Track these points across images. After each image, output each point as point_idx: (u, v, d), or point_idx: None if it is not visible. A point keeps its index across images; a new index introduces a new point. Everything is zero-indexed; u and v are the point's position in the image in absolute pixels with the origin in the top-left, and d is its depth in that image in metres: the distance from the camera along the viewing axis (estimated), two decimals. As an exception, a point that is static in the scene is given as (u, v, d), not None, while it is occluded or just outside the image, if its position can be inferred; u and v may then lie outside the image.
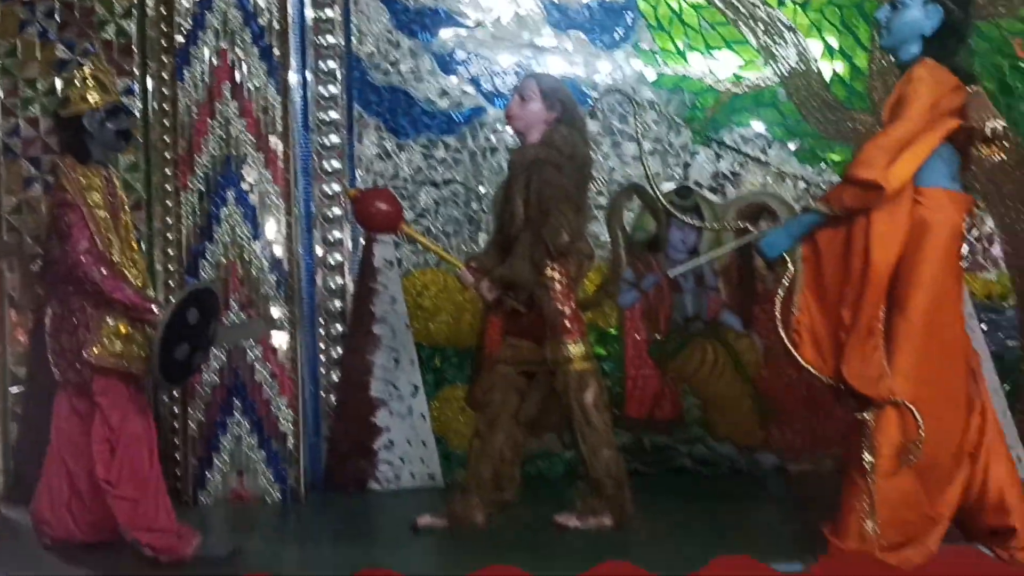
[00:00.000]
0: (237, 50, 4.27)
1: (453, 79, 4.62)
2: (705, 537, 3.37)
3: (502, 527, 3.66)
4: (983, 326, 4.56)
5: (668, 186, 4.58)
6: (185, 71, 4.25)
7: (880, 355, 2.79)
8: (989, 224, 4.65)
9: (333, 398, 4.52)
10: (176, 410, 4.25)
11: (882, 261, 2.77)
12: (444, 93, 4.62)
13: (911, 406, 2.76)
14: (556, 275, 3.53)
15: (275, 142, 4.31)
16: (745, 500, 4.16)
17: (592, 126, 4.51)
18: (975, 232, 4.64)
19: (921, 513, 2.84)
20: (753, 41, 4.58)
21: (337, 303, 4.56)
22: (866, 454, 2.80)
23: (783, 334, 2.92)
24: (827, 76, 4.58)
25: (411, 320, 4.48)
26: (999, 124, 2.69)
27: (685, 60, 4.60)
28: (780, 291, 2.94)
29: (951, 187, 2.86)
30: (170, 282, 4.30)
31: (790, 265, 2.93)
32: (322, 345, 4.56)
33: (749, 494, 4.29)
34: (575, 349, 3.54)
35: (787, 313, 2.93)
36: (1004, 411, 4.25)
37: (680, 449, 4.63)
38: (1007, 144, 2.74)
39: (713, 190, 4.62)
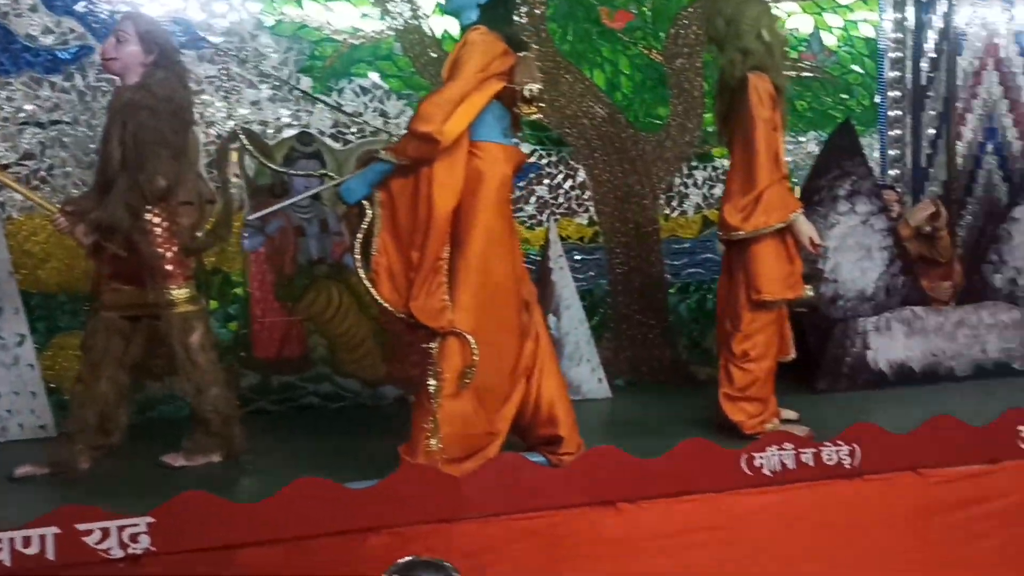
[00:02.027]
0: None
1: (57, 16, 4.36)
2: (310, 467, 3.55)
3: (111, 472, 3.65)
4: (576, 265, 5.15)
5: (290, 133, 4.69)
6: None
7: (443, 291, 3.13)
8: (581, 175, 5.20)
9: (-74, 353, 4.22)
10: None
11: (443, 207, 3.09)
12: (48, 30, 4.37)
13: (468, 335, 3.13)
14: (155, 219, 3.54)
15: None
16: (366, 431, 4.43)
17: (209, 70, 4.53)
18: (569, 182, 5.20)
19: (481, 429, 3.24)
20: (369, -6, 4.78)
21: (-74, 252, 4.23)
22: (431, 379, 3.15)
23: (361, 273, 3.18)
24: (438, 33, 4.85)
25: (18, 267, 4.26)
26: (535, 87, 3.08)
27: (303, 8, 4.68)
28: (359, 234, 3.19)
29: (503, 141, 3.24)
30: None
31: (368, 209, 3.19)
32: (-89, 297, 4.22)
33: (371, 425, 4.57)
34: (178, 293, 3.59)
35: (366, 254, 3.20)
36: (588, 339, 4.86)
37: (307, 387, 4.80)
38: (543, 105, 3.15)
39: (335, 137, 4.77)
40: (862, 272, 4.87)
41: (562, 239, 5.08)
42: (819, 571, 3.34)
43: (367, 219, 3.17)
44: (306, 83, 4.70)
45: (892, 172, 5.70)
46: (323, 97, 4.68)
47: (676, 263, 5.41)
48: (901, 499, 3.48)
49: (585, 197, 5.22)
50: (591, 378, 4.86)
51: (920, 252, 5.28)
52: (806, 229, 3.77)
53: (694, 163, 5.38)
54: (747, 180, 3.72)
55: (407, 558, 1.45)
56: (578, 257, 5.20)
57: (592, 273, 5.25)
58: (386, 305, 3.16)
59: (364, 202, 3.19)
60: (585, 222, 5.24)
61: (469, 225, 3.13)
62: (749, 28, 3.77)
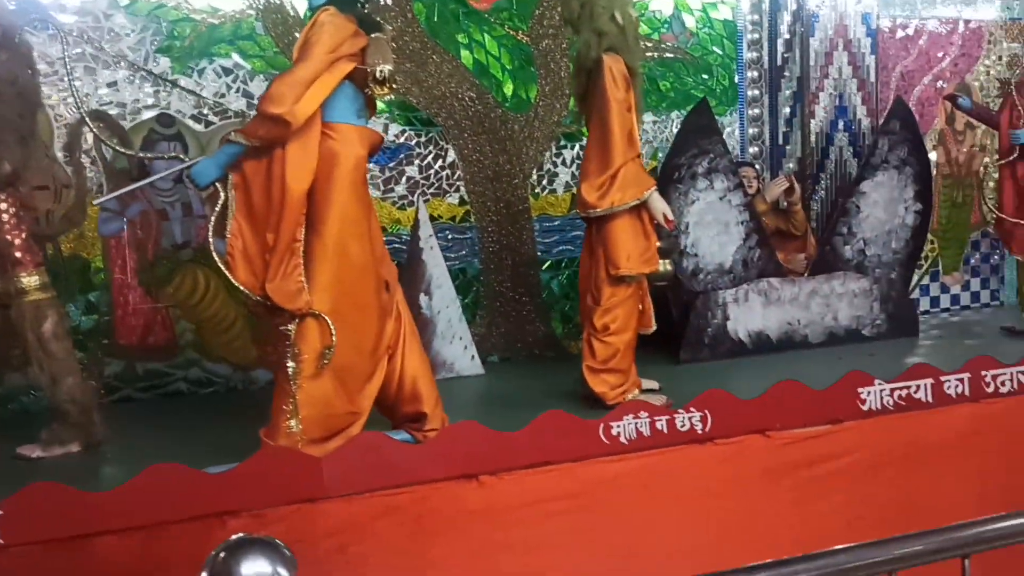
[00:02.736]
0: None
1: None
2: (175, 453, 3.47)
3: (-37, 465, 3.55)
4: (448, 244, 5.20)
5: (149, 114, 4.58)
6: None
7: (299, 272, 3.13)
8: (452, 155, 5.24)
9: None
10: None
11: (296, 188, 3.08)
12: None
13: (326, 316, 3.14)
14: (3, 205, 3.43)
15: None
16: (236, 416, 4.37)
17: (58, 51, 4.37)
18: (439, 162, 5.23)
19: (343, 409, 3.27)
20: (228, -27, 4.67)
21: None
22: (289, 361, 3.15)
23: (216, 257, 3.16)
24: (301, 12, 4.75)
25: None
26: (387, 68, 3.10)
27: (159, -13, 4.57)
28: (212, 217, 3.17)
29: (357, 122, 3.24)
30: None
31: (221, 192, 3.16)
32: None
33: (243, 410, 4.51)
34: (28, 280, 3.49)
35: (220, 238, 3.17)
36: (460, 318, 4.92)
37: (175, 373, 4.74)
38: (396, 86, 3.16)
39: (196, 119, 4.68)
40: (721, 246, 5.06)
41: (434, 219, 5.12)
42: (674, 532, 3.50)
43: (220, 202, 3.15)
44: (164, 64, 4.59)
45: (752, 150, 5.92)
46: (173, 79, 4.56)
47: (547, 240, 5.51)
48: (750, 461, 3.66)
49: (456, 177, 5.25)
50: (464, 356, 4.93)
51: (776, 226, 5.52)
52: (660, 206, 3.90)
53: (562, 142, 5.48)
54: (603, 159, 3.82)
55: (237, 536, 1.46)
56: (450, 236, 5.25)
57: (464, 252, 5.30)
58: (242, 288, 3.14)
59: (217, 185, 3.16)
60: (456, 202, 5.27)
61: (324, 206, 3.13)
62: (603, 10, 3.85)
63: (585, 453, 3.41)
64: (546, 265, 5.51)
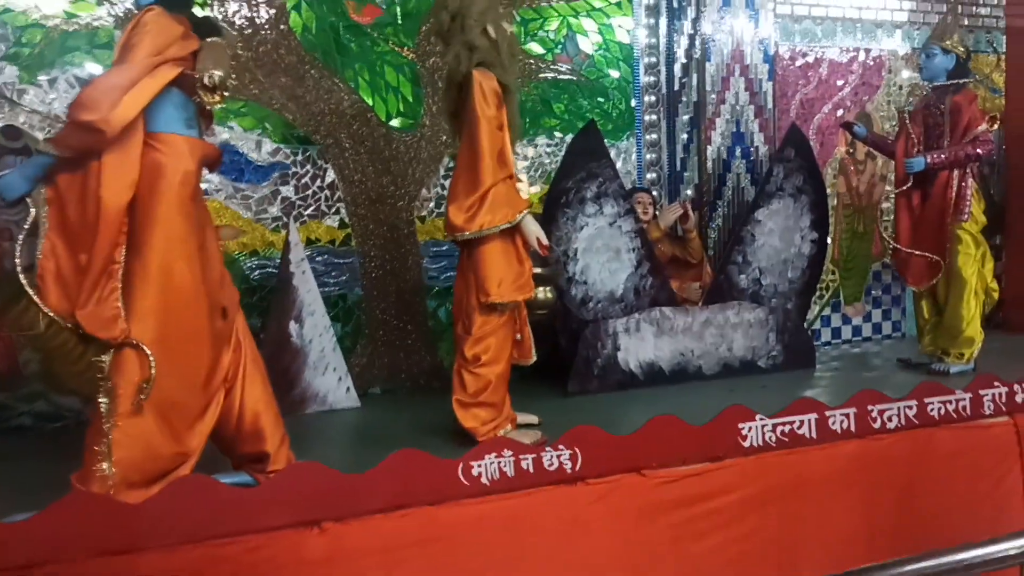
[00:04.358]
0: None
1: None
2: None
3: None
4: (327, 269, 4.91)
5: (-7, 125, 4.24)
6: None
7: (116, 297, 2.82)
8: (331, 175, 4.96)
9: None
10: None
11: (113, 204, 2.78)
12: None
13: (144, 346, 2.84)
14: None
15: None
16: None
17: None
18: (318, 182, 4.95)
19: (169, 450, 2.95)
20: (79, -21, 4.36)
21: None
22: (102, 396, 2.84)
23: (23, 280, 2.84)
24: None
25: None
26: (217, 74, 2.83)
27: (5, -10, 4.24)
28: (20, 236, 2.85)
29: (186, 133, 2.96)
30: None
31: (32, 208, 2.85)
32: None
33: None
34: None
35: (29, 259, 2.85)
36: (334, 347, 4.64)
37: (19, 407, 4.37)
38: (227, 94, 2.89)
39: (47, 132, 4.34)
40: (611, 274, 4.87)
41: (312, 242, 4.85)
42: (540, 579, 3.25)
43: (30, 219, 2.83)
44: (11, 73, 4.24)
45: (649, 175, 5.76)
46: (12, 94, 4.22)
47: (436, 266, 5.26)
48: (624, 501, 3.43)
49: (336, 198, 4.98)
50: (338, 388, 4.64)
51: (673, 253, 5.36)
52: (533, 228, 3.69)
53: (450, 164, 5.24)
54: (471, 179, 3.60)
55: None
56: (329, 261, 4.96)
57: (345, 278, 5.02)
58: (53, 316, 2.82)
59: (28, 200, 2.84)
60: (336, 224, 4.99)
61: (147, 224, 2.83)
62: (475, 23, 3.65)
63: (443, 495, 3.14)
64: (434, 292, 5.25)
